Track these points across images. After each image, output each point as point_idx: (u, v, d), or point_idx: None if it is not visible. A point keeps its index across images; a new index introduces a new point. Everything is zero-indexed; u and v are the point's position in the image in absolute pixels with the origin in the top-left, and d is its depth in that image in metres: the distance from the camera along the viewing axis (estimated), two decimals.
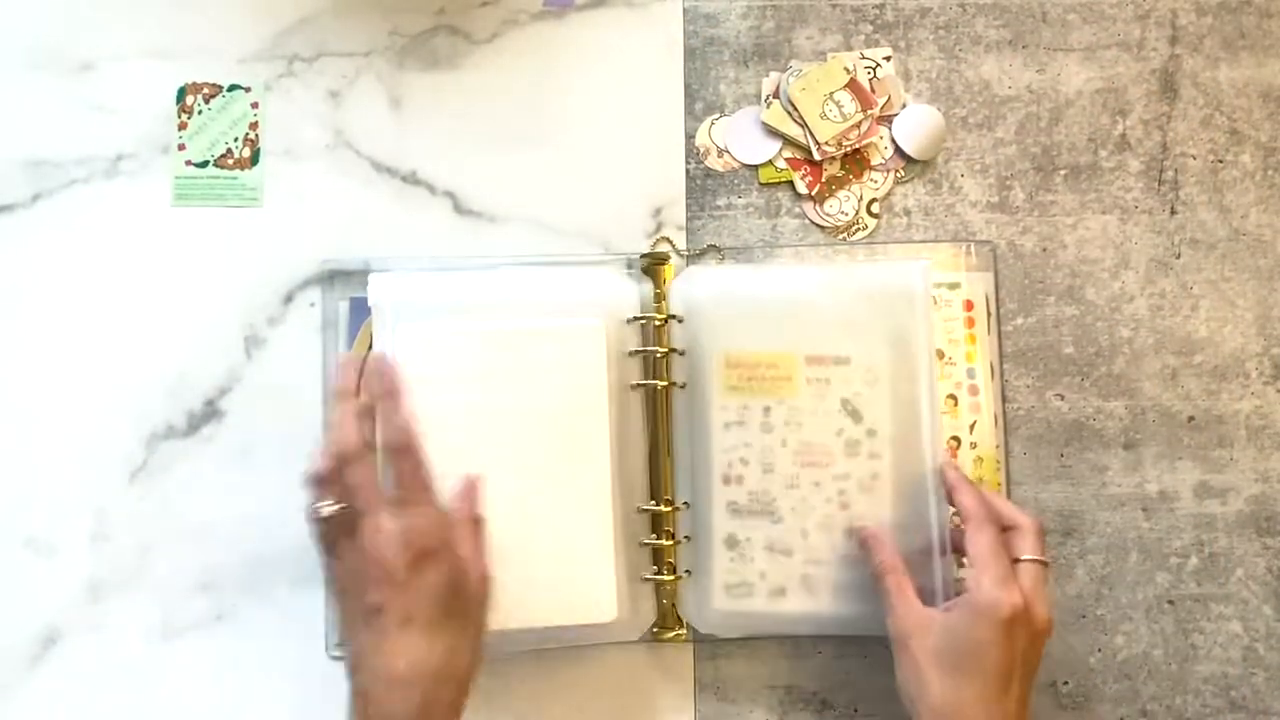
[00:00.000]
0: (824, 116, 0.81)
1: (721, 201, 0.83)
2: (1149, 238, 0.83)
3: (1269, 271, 0.84)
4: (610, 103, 0.83)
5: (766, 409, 0.77)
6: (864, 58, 0.83)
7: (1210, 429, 0.82)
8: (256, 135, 0.82)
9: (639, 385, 0.78)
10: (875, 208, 0.83)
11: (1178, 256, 0.84)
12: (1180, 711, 0.81)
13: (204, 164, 0.81)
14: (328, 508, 0.67)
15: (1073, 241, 0.83)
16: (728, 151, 0.83)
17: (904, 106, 0.83)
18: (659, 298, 0.79)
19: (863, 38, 0.84)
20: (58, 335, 0.80)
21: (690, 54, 0.84)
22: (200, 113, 0.82)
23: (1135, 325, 0.83)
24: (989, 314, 0.82)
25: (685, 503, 0.78)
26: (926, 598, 0.72)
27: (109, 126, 0.81)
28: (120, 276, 0.81)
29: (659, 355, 0.78)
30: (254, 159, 0.82)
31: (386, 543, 0.66)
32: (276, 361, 0.81)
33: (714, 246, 0.82)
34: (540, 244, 0.82)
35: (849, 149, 0.82)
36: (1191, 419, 0.82)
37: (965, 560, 0.70)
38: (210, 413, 0.80)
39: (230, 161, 0.81)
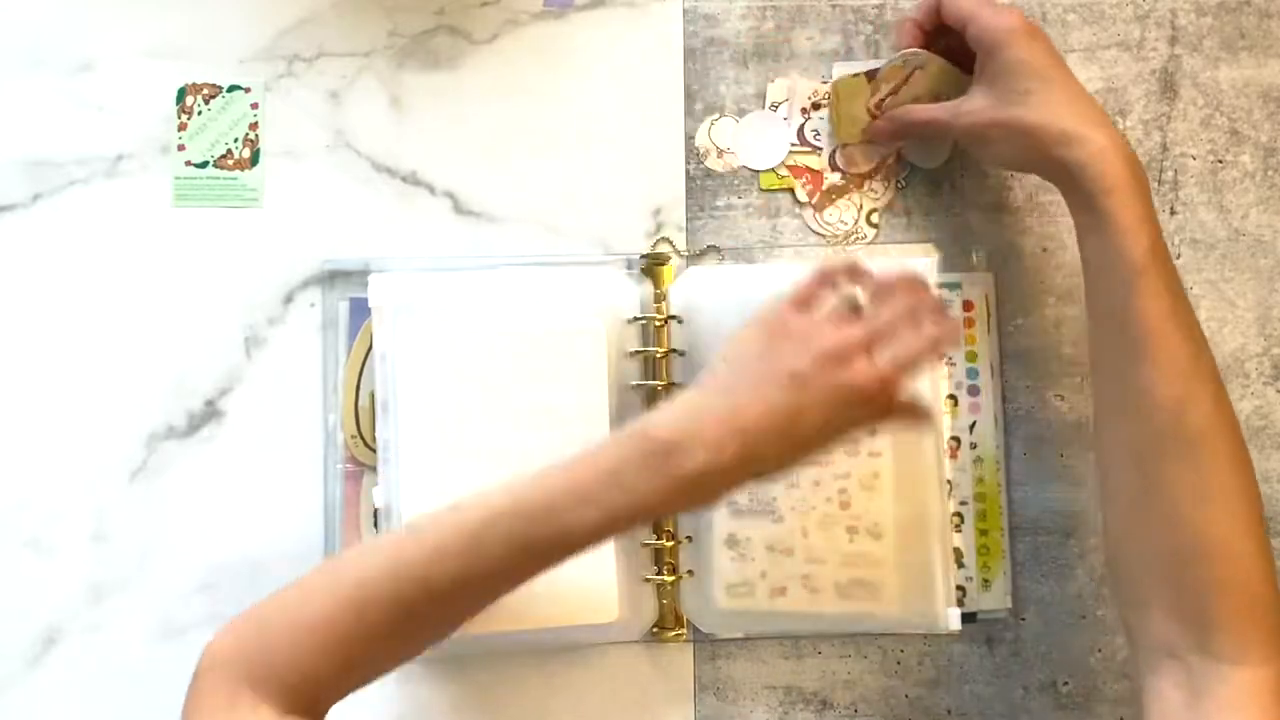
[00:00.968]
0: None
1: (721, 202, 0.83)
2: None
3: (1269, 271, 0.84)
4: (610, 103, 0.83)
5: None
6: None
7: None
8: (256, 136, 0.82)
9: (639, 385, 0.78)
10: (875, 217, 0.83)
11: (1178, 257, 0.84)
12: None
13: (204, 164, 0.81)
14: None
15: (1073, 241, 0.83)
16: (733, 154, 0.83)
17: None
18: (659, 298, 0.79)
19: (863, 38, 0.84)
20: (58, 335, 0.80)
21: (690, 54, 0.84)
22: (200, 113, 0.82)
23: None
24: (989, 314, 0.82)
25: None
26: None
27: (109, 126, 0.81)
28: (120, 277, 0.81)
29: (659, 356, 0.78)
30: (254, 159, 0.82)
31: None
32: (276, 361, 0.81)
33: (714, 247, 0.82)
34: (540, 244, 0.82)
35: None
36: None
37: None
38: (210, 413, 0.80)
39: (230, 162, 0.81)
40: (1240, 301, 0.83)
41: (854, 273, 0.68)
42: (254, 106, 0.82)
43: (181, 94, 0.82)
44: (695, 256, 0.82)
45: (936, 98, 0.79)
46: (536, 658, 0.78)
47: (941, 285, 0.81)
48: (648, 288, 0.80)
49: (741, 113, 0.83)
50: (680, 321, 0.79)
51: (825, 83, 0.83)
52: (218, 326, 0.81)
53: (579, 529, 0.62)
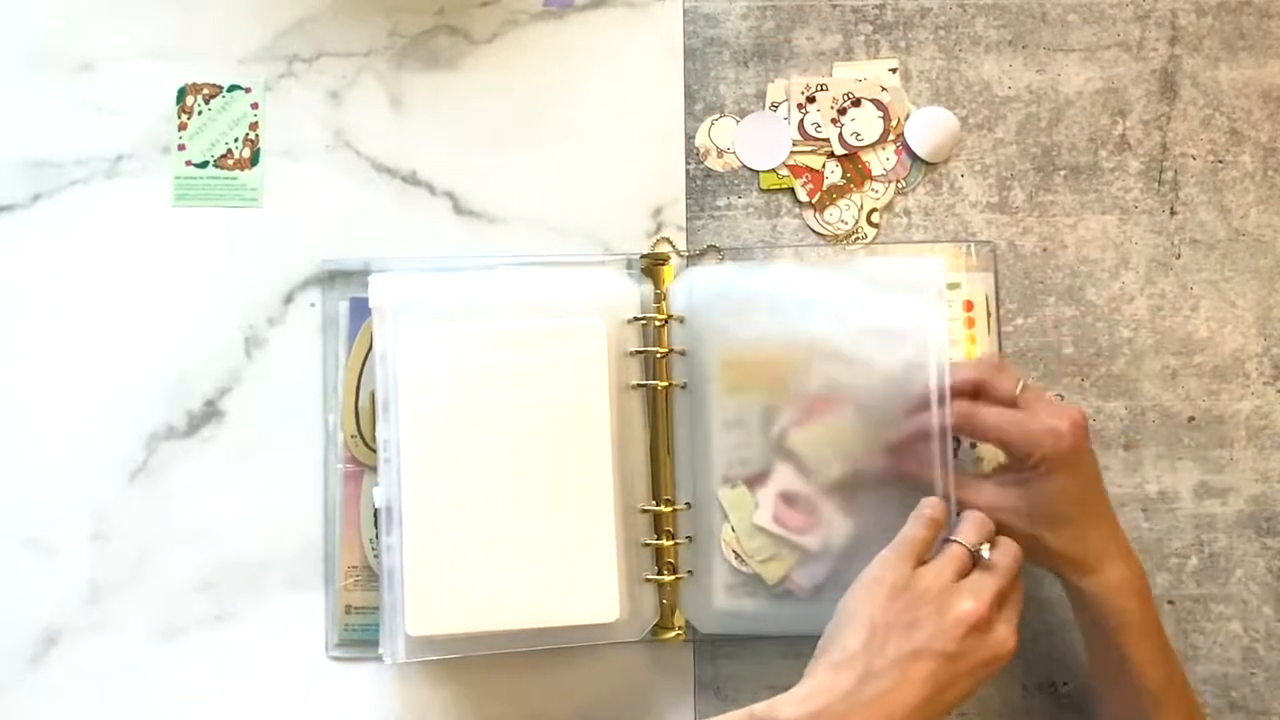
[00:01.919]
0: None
1: (721, 202, 0.83)
2: (1149, 238, 0.83)
3: (1269, 271, 0.84)
4: (610, 103, 0.83)
5: (767, 409, 0.77)
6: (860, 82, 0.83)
7: (1210, 429, 0.82)
8: (256, 135, 0.82)
9: (639, 386, 0.78)
10: (875, 217, 0.83)
11: (1178, 257, 0.84)
12: None
13: (204, 164, 0.81)
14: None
15: (1073, 242, 0.83)
16: (735, 154, 0.83)
17: (907, 116, 0.83)
18: (659, 298, 0.79)
19: (863, 38, 0.84)
20: (57, 335, 0.80)
21: (690, 54, 0.84)
22: (200, 113, 0.82)
23: (1135, 325, 0.83)
24: (989, 314, 0.82)
25: (686, 503, 0.78)
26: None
27: (109, 126, 0.81)
28: (120, 276, 0.81)
29: (659, 356, 0.78)
30: (254, 159, 0.82)
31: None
32: (276, 361, 0.81)
33: (714, 247, 0.82)
34: (540, 244, 0.82)
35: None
36: (1191, 419, 0.82)
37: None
38: (210, 413, 0.80)
39: (230, 162, 0.81)
40: (1240, 301, 0.83)
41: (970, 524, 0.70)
42: (254, 106, 0.82)
43: (181, 94, 0.82)
44: (695, 256, 0.82)
45: None
46: (536, 658, 0.78)
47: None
48: (648, 288, 0.80)
49: (742, 113, 0.83)
50: (680, 321, 0.79)
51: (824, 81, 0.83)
52: (218, 326, 0.81)
53: None
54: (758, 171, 0.83)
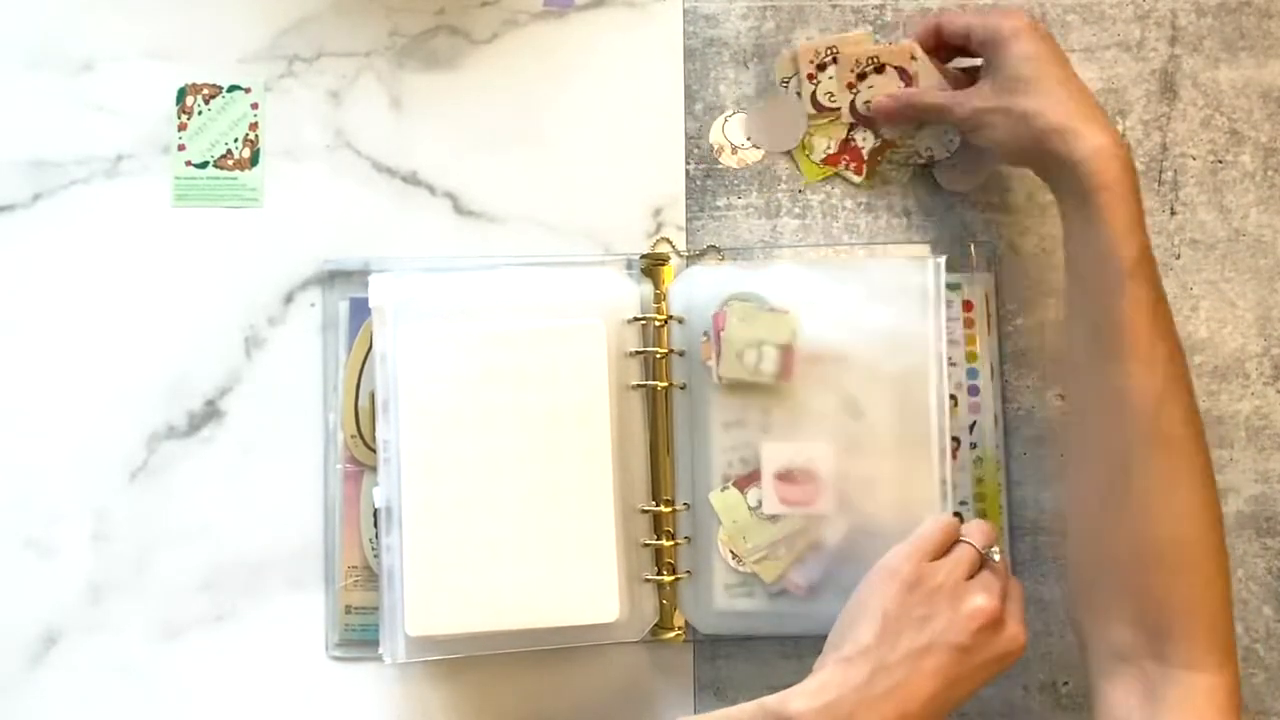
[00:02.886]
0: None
1: (721, 202, 0.83)
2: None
3: (1269, 272, 0.84)
4: (610, 103, 0.83)
5: (766, 409, 0.77)
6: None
7: (1210, 429, 0.82)
8: (256, 136, 0.82)
9: (639, 386, 0.78)
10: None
11: (1178, 257, 0.84)
12: None
13: (204, 164, 0.81)
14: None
15: None
16: (750, 143, 0.82)
17: None
18: (659, 298, 0.79)
19: None
20: (58, 335, 0.80)
21: (690, 54, 0.84)
22: (200, 113, 0.82)
23: None
24: (989, 314, 0.82)
25: (685, 503, 0.78)
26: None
27: (109, 126, 0.81)
28: (120, 277, 0.81)
29: (659, 356, 0.78)
30: (254, 159, 0.82)
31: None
32: (276, 361, 0.81)
33: (714, 247, 0.82)
34: (540, 244, 0.82)
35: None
36: None
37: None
38: (210, 413, 0.80)
39: (230, 162, 0.81)
40: (1240, 301, 0.83)
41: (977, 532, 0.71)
42: (254, 106, 0.82)
43: (181, 94, 0.82)
44: (695, 256, 0.82)
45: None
46: (536, 658, 0.78)
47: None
48: (648, 288, 0.80)
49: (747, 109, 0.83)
50: (680, 322, 0.79)
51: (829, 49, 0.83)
52: (218, 326, 0.81)
53: None
54: (784, 153, 0.83)
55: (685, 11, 0.84)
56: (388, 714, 0.79)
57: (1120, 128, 0.84)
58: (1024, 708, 0.81)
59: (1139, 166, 0.84)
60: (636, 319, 0.78)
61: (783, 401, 0.77)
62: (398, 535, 0.74)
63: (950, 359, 0.80)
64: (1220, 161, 0.84)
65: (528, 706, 0.79)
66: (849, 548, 0.76)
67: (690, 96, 0.83)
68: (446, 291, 0.78)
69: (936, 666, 0.64)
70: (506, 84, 0.83)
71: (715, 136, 0.83)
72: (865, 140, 0.82)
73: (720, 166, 0.83)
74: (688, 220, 0.82)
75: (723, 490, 0.77)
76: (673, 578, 0.78)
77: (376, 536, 0.77)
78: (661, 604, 0.79)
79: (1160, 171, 0.84)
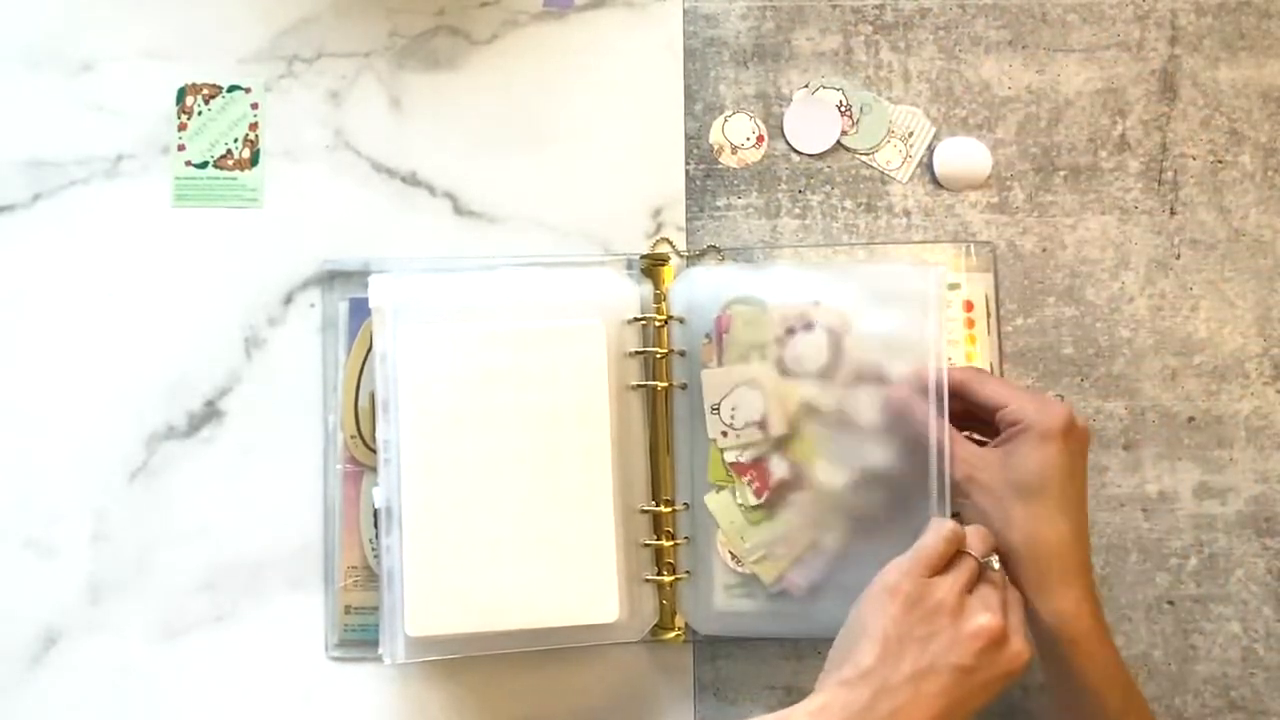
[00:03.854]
0: None
1: (721, 202, 0.83)
2: (1149, 238, 0.83)
3: (1269, 272, 0.84)
4: (610, 103, 0.83)
5: (766, 410, 0.77)
6: None
7: (1210, 429, 0.82)
8: (256, 136, 0.82)
9: (639, 386, 0.78)
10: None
11: (1177, 257, 0.84)
12: (1180, 712, 0.81)
13: (204, 164, 0.81)
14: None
15: (1072, 242, 0.83)
16: (786, 141, 0.83)
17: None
18: (659, 298, 0.79)
19: (862, 39, 0.84)
20: (58, 335, 0.80)
21: (690, 54, 0.84)
22: (200, 113, 0.82)
23: (1135, 326, 0.83)
24: (989, 314, 0.82)
25: (685, 503, 0.78)
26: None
27: (109, 126, 0.81)
28: (120, 277, 0.81)
29: (659, 356, 0.78)
30: (254, 160, 0.82)
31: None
32: (276, 362, 0.81)
33: (714, 247, 0.82)
34: (540, 244, 0.82)
35: None
36: (1191, 419, 0.82)
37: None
38: (210, 413, 0.80)
39: (230, 162, 0.81)
40: (1240, 301, 0.83)
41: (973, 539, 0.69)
42: (254, 107, 0.82)
43: (181, 94, 0.82)
44: (695, 256, 0.82)
45: None
46: (536, 658, 0.78)
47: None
48: (648, 288, 0.80)
49: (745, 110, 0.83)
50: (681, 322, 0.79)
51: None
52: (218, 326, 0.81)
53: None
54: (811, 156, 0.82)
55: (685, 11, 0.84)
56: (387, 714, 0.79)
57: (1120, 128, 0.84)
58: (1024, 708, 0.81)
59: (1139, 167, 0.84)
60: (636, 319, 0.78)
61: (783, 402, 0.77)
62: (397, 535, 0.74)
63: (950, 359, 0.80)
64: (1220, 161, 0.84)
65: (528, 706, 0.79)
66: (848, 549, 0.76)
67: (690, 96, 0.83)
68: (446, 291, 0.78)
69: (939, 688, 0.63)
70: (506, 84, 0.83)
71: (715, 136, 0.83)
72: (778, 468, 0.77)
73: (720, 166, 0.83)
74: (688, 220, 0.83)
75: (717, 492, 0.77)
76: (672, 578, 0.78)
77: (376, 537, 0.77)
78: (661, 604, 0.79)
79: (1160, 171, 0.84)
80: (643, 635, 0.78)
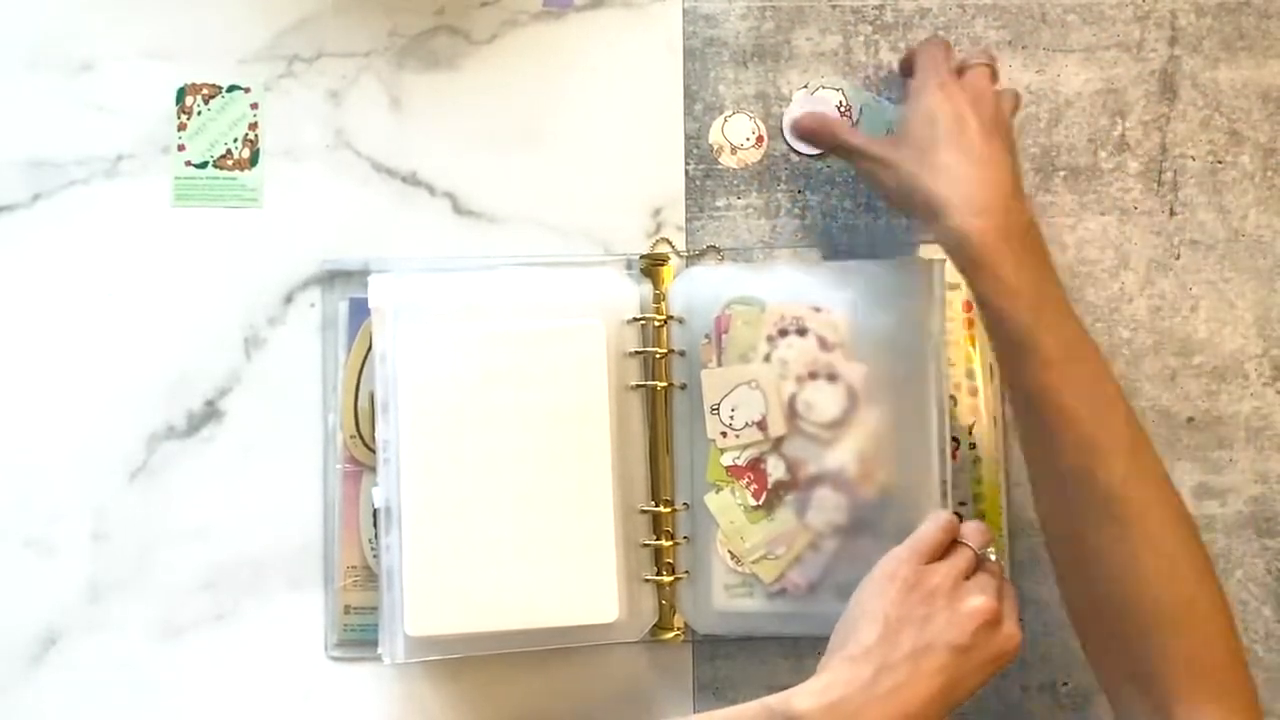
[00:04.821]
0: None
1: (721, 202, 0.83)
2: (1148, 239, 0.83)
3: (1269, 272, 0.84)
4: (610, 103, 0.83)
5: (766, 410, 0.77)
6: None
7: (1210, 430, 0.82)
8: (256, 136, 0.82)
9: (639, 386, 0.78)
10: None
11: (1177, 257, 0.84)
12: None
13: (204, 164, 0.81)
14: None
15: (1072, 242, 0.83)
16: (786, 142, 0.83)
17: None
18: (659, 298, 0.79)
19: (862, 39, 0.84)
20: (58, 335, 0.80)
21: (690, 54, 0.84)
22: (200, 113, 0.82)
23: (1135, 326, 0.83)
24: None
25: (685, 503, 0.78)
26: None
27: (109, 126, 0.81)
28: (120, 276, 0.81)
29: (659, 356, 0.79)
30: (254, 160, 0.82)
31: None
32: (276, 361, 0.81)
33: (714, 247, 0.82)
34: (540, 244, 0.82)
35: None
36: (1191, 420, 0.82)
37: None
38: (210, 413, 0.80)
39: (230, 162, 0.81)
40: (1240, 302, 0.83)
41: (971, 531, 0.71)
42: (254, 106, 0.82)
43: (181, 94, 0.82)
44: (695, 256, 0.82)
45: None
46: (536, 658, 0.78)
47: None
48: (647, 288, 0.80)
49: (745, 111, 0.83)
50: (680, 322, 0.79)
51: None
52: (218, 326, 0.81)
53: None
54: (810, 156, 0.82)
55: (685, 11, 0.84)
56: (387, 714, 0.79)
57: (1120, 128, 0.84)
58: (1024, 708, 0.81)
59: (1139, 167, 0.84)
60: (636, 319, 0.79)
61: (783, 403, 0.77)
62: (397, 535, 0.74)
63: (950, 359, 0.80)
64: (1220, 162, 0.84)
65: (528, 706, 0.79)
66: (848, 548, 0.76)
67: (690, 96, 0.83)
68: (446, 291, 0.78)
69: (938, 666, 0.65)
70: (506, 84, 0.83)
71: (715, 136, 0.83)
72: (775, 469, 0.78)
73: (720, 166, 0.83)
74: (687, 220, 0.83)
75: (716, 493, 0.77)
76: (672, 578, 0.78)
77: (376, 536, 0.77)
78: (661, 604, 0.79)
79: (1160, 172, 0.84)
80: (642, 635, 0.78)
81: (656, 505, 0.78)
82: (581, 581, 0.75)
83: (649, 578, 0.78)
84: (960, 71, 0.74)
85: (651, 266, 0.80)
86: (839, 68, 0.84)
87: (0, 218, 0.81)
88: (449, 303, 0.77)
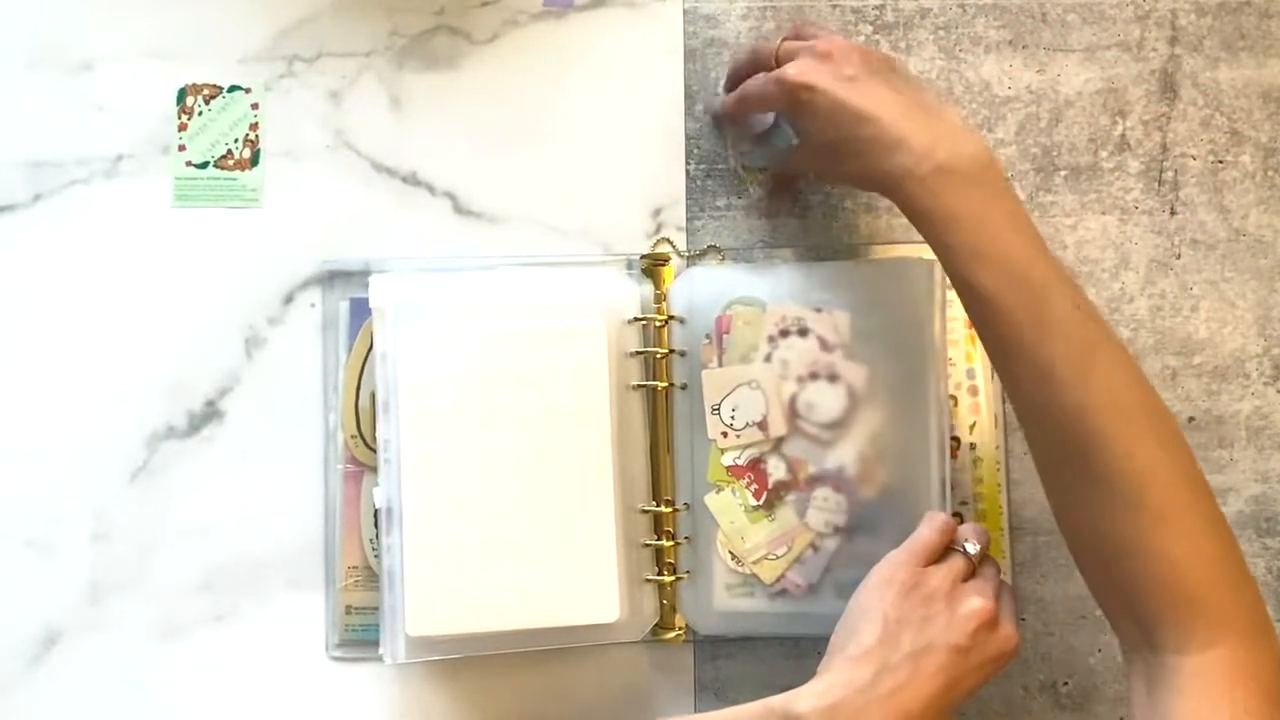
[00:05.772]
0: None
1: (721, 202, 0.83)
2: (1149, 238, 0.84)
3: (1269, 272, 0.84)
4: (610, 103, 0.83)
5: (766, 411, 0.77)
6: None
7: (1210, 429, 0.82)
8: (257, 136, 0.82)
9: (639, 386, 0.78)
10: None
11: (1178, 257, 0.84)
12: None
13: (204, 165, 0.81)
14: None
15: (1073, 242, 0.83)
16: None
17: None
18: (659, 299, 0.79)
19: (862, 39, 0.84)
20: (58, 335, 0.80)
21: (690, 54, 0.84)
22: (200, 114, 0.82)
23: (1135, 326, 0.83)
24: None
25: (685, 504, 0.78)
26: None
27: (109, 126, 0.81)
28: (120, 277, 0.81)
29: (659, 356, 0.79)
30: (254, 160, 0.82)
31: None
32: (276, 361, 0.81)
33: (714, 247, 0.82)
34: (540, 244, 0.82)
35: None
36: (1191, 419, 0.82)
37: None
38: (210, 413, 0.80)
39: (230, 162, 0.81)
40: (1240, 302, 0.83)
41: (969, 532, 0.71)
42: (254, 107, 0.82)
43: (181, 94, 0.82)
44: (695, 256, 0.82)
45: None
46: (537, 658, 0.78)
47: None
48: (648, 288, 0.80)
49: None
50: (681, 322, 0.79)
51: None
52: (218, 326, 0.81)
53: None
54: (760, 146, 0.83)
55: (685, 11, 0.84)
56: (388, 714, 0.79)
57: (1120, 128, 0.84)
58: (1024, 708, 0.81)
59: (1139, 167, 0.84)
60: (637, 319, 0.79)
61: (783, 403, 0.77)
62: (398, 535, 0.74)
63: (950, 359, 0.80)
64: (1220, 161, 0.84)
65: (528, 707, 0.79)
66: (848, 548, 0.76)
67: (690, 96, 0.83)
68: (446, 291, 0.78)
69: (937, 666, 0.65)
70: (506, 84, 0.83)
71: (715, 136, 0.83)
72: (776, 469, 0.78)
73: (721, 167, 0.83)
74: (688, 220, 0.83)
75: (717, 493, 0.77)
76: (673, 578, 0.78)
77: (377, 536, 0.77)
78: (661, 604, 0.79)
79: (1160, 171, 0.84)
80: (643, 635, 0.78)
81: (657, 505, 0.78)
82: (582, 581, 0.75)
83: (650, 578, 0.78)
84: (803, 41, 0.73)
85: (652, 266, 0.80)
86: None
87: (0, 218, 0.81)
88: (450, 302, 0.77)
